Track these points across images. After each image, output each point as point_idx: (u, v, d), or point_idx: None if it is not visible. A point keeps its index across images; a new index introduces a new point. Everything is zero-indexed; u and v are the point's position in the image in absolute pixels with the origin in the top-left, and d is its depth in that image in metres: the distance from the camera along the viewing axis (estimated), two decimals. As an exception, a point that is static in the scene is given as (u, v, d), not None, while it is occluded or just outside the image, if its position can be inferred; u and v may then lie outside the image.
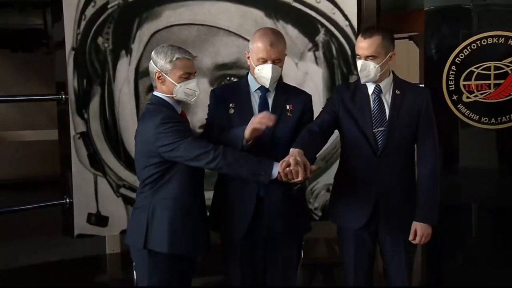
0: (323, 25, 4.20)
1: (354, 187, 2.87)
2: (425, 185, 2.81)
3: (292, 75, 4.14)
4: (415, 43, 5.67)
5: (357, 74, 2.87)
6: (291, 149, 2.61)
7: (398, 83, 2.87)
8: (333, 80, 4.23)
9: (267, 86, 2.79)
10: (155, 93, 2.73)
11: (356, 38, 3.26)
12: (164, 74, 2.66)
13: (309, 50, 4.23)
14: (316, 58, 4.23)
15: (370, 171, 2.80)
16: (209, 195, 2.90)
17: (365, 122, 2.81)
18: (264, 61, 2.74)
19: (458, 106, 3.59)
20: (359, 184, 2.85)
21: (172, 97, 2.68)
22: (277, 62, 2.75)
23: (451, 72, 3.58)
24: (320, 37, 4.22)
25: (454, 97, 3.58)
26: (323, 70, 4.25)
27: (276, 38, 2.76)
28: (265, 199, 2.78)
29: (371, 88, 2.84)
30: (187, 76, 2.66)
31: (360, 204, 2.85)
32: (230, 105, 2.82)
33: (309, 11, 4.19)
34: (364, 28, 3.30)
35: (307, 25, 4.20)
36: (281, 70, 2.81)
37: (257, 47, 2.75)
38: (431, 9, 3.66)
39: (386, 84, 2.84)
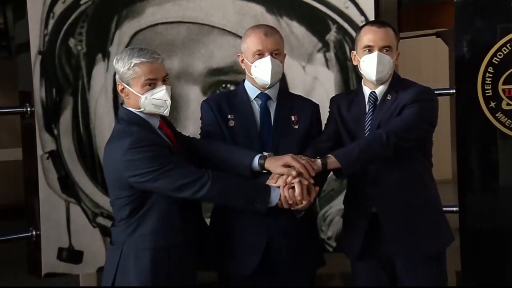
0: (334, 21, 4.12)
1: (352, 207, 2.96)
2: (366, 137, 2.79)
3: (299, 80, 4.07)
4: (444, 41, 5.67)
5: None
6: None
7: (394, 85, 2.85)
8: (347, 85, 4.11)
9: (268, 83, 2.81)
10: (124, 106, 2.68)
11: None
12: (126, 86, 2.58)
13: (319, 51, 4.14)
14: (326, 60, 4.14)
15: (367, 189, 2.83)
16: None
17: (360, 135, 2.84)
18: (261, 55, 2.79)
19: (497, 115, 3.55)
20: (356, 204, 2.92)
21: (141, 111, 2.62)
22: (276, 55, 2.81)
23: (487, 74, 3.55)
24: (332, 36, 4.13)
25: (492, 104, 3.55)
26: (335, 74, 4.16)
27: (270, 29, 2.86)
28: (271, 228, 2.78)
29: (367, 95, 2.88)
30: (152, 82, 2.57)
31: (357, 225, 2.89)
32: (229, 116, 2.84)
33: (318, 5, 4.10)
34: (369, 21, 3.36)
35: (316, 22, 4.11)
36: (282, 67, 2.86)
37: (251, 41, 2.83)
38: (463, 0, 3.59)
39: (383, 89, 2.82)
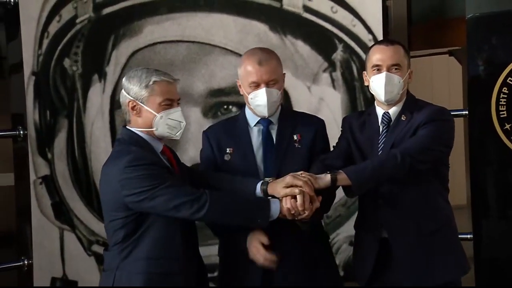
0: (341, 40, 4.12)
1: (363, 232, 2.98)
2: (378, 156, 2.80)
3: (304, 101, 4.07)
4: (457, 60, 5.65)
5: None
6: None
7: (409, 105, 2.88)
8: (354, 106, 4.12)
9: (266, 115, 2.87)
10: (127, 127, 2.69)
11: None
12: (139, 103, 2.61)
13: (324, 70, 4.14)
14: (333, 80, 4.14)
15: (378, 213, 2.85)
16: (203, 251, 2.88)
17: (372, 156, 2.85)
18: (257, 86, 2.83)
19: (512, 137, 3.55)
20: (367, 228, 2.94)
21: (151, 131, 2.64)
22: (272, 84, 2.83)
23: (502, 95, 3.56)
24: (338, 55, 4.12)
25: (507, 126, 3.55)
26: (342, 95, 4.16)
27: (265, 55, 2.86)
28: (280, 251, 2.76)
29: (380, 116, 2.91)
30: (169, 103, 2.63)
31: (367, 251, 2.91)
32: (227, 150, 2.91)
33: (323, 23, 4.11)
34: (378, 40, 3.38)
35: (322, 40, 4.11)
36: (280, 94, 2.89)
37: (245, 70, 2.86)
38: (475, 17, 3.61)
39: (397, 110, 2.89)
